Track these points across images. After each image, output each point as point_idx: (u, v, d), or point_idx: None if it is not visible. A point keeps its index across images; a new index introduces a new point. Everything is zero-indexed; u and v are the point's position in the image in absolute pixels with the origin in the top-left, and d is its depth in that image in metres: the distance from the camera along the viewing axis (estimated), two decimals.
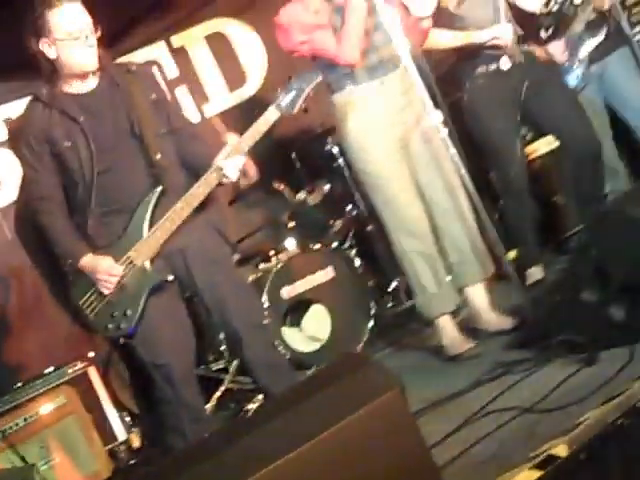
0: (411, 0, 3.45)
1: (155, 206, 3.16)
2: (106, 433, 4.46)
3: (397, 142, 3.57)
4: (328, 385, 2.21)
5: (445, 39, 3.94)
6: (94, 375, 4.56)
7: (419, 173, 3.62)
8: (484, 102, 4.02)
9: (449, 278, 3.65)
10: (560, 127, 4.11)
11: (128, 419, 4.58)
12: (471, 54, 4.00)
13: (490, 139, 4.08)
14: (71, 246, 3.19)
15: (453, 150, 3.20)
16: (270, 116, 3.19)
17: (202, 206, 3.22)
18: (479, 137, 4.12)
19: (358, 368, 2.29)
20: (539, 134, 4.73)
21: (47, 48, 3.09)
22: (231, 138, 3.23)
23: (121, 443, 4.52)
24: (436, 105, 3.20)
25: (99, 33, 3.12)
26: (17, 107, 5.03)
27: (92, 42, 3.09)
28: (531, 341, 3.10)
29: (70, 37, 3.05)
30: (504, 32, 3.88)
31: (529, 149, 4.78)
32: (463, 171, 3.22)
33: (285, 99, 3.19)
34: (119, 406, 4.65)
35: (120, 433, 4.53)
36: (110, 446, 4.44)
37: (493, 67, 3.98)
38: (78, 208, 3.20)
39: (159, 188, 3.17)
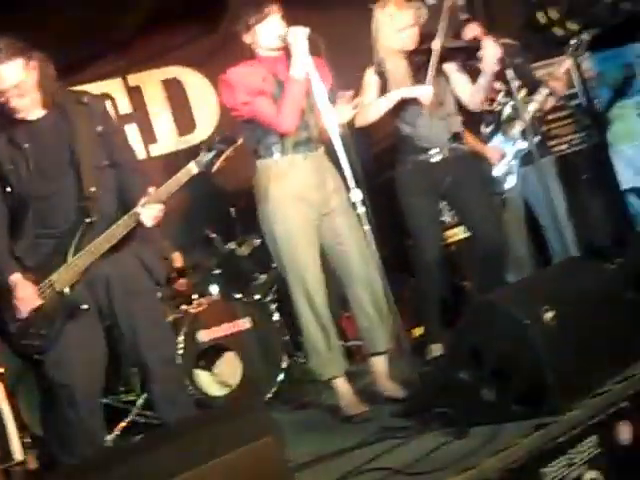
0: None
1: (82, 236, 3.29)
2: (3, 451, 4.50)
3: (311, 214, 3.78)
4: (210, 425, 2.36)
5: (373, 111, 4.20)
6: (0, 391, 4.62)
7: (334, 243, 3.83)
8: (409, 186, 4.33)
9: (340, 343, 3.87)
10: (470, 220, 4.43)
11: (28, 440, 4.61)
12: (406, 142, 4.31)
13: (411, 219, 4.36)
14: (2, 263, 3.30)
15: (367, 227, 3.44)
16: (189, 171, 3.36)
17: (131, 240, 3.36)
18: (404, 215, 4.40)
19: (243, 413, 2.45)
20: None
21: None
22: (152, 188, 3.35)
23: (17, 463, 4.55)
24: (357, 184, 3.44)
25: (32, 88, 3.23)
26: None
27: (20, 92, 3.20)
28: (414, 411, 3.29)
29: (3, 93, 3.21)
30: (425, 93, 4.16)
31: (448, 233, 5.09)
32: (373, 247, 3.47)
33: (206, 157, 3.38)
34: (21, 426, 4.68)
35: (18, 453, 4.55)
36: (5, 465, 4.47)
37: (422, 157, 4.30)
38: (14, 228, 3.32)
39: (87, 220, 3.30)
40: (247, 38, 3.77)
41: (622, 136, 5.79)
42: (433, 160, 4.29)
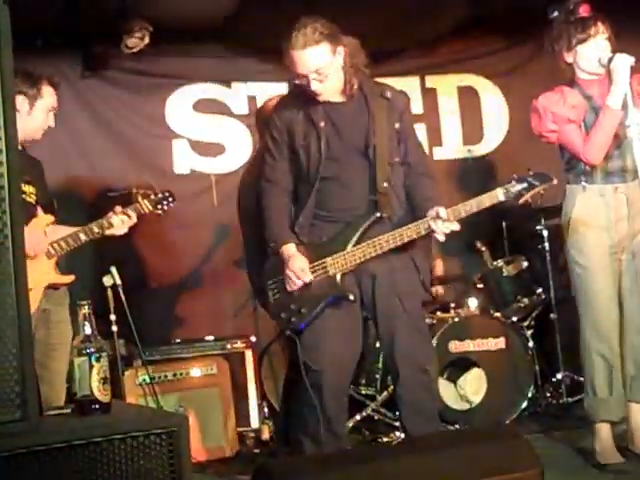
0: None
1: (368, 228, 3.29)
2: (241, 416, 4.63)
3: (610, 247, 3.62)
4: (475, 443, 2.28)
5: None
6: (249, 358, 4.73)
7: (622, 283, 3.65)
8: None
9: (622, 391, 3.65)
10: None
11: (266, 410, 4.74)
12: None
13: None
14: (279, 231, 3.38)
15: None
16: (495, 197, 3.26)
17: (413, 243, 3.30)
18: None
19: (507, 438, 2.36)
20: None
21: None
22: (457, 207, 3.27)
23: (252, 430, 4.68)
24: None
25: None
26: (262, 88, 5.44)
27: (320, 78, 3.23)
28: None
29: (299, 74, 3.25)
30: None
31: None
32: None
33: (515, 187, 3.26)
34: (261, 395, 4.82)
35: (254, 420, 4.68)
36: (241, 429, 4.61)
37: None
38: (296, 201, 3.40)
39: (377, 214, 3.29)
40: (568, 57, 3.64)
41: None
42: None
